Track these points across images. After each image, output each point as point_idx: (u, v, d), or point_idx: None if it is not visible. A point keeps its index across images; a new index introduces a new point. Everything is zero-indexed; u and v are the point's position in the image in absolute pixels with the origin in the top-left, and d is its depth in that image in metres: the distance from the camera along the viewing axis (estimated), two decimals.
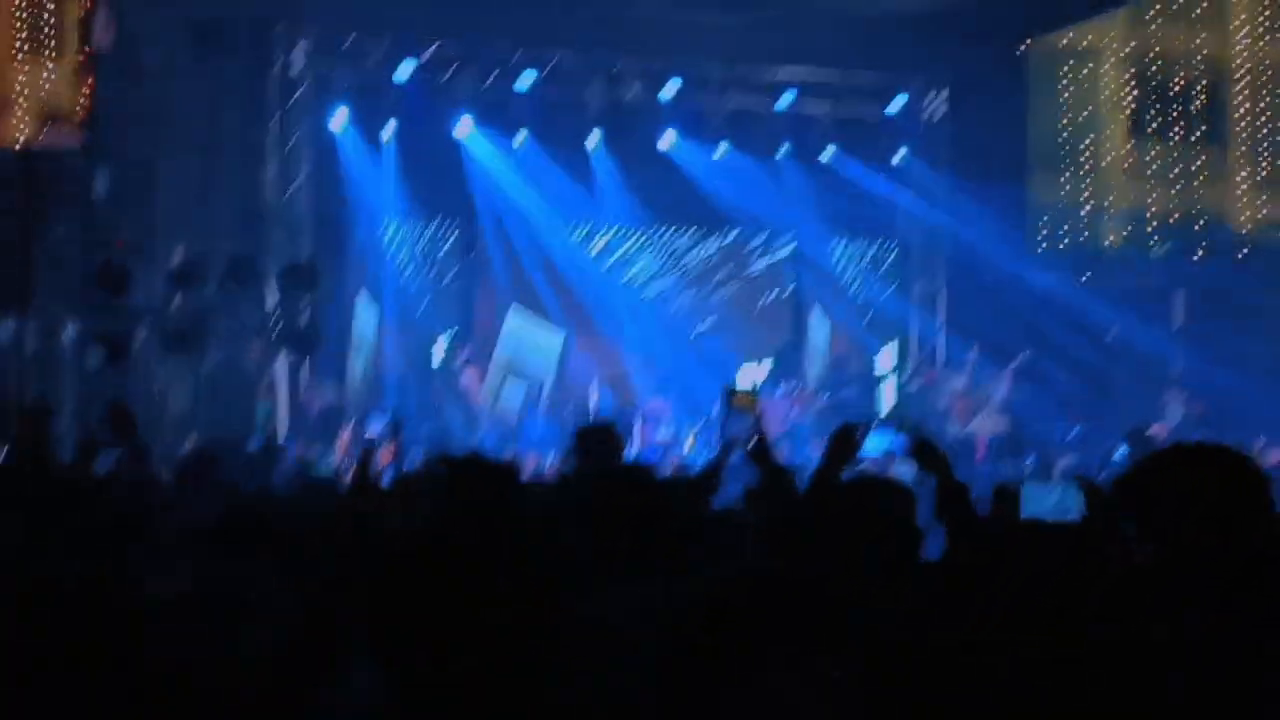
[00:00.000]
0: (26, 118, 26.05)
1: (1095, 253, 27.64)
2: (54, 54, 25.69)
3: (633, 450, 19.57)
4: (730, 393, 8.23)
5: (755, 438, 7.10)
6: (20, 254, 17.48)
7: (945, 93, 23.46)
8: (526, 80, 21.56)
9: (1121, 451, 15.90)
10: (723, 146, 22.66)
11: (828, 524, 5.00)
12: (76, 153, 19.09)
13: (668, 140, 22.36)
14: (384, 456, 14.97)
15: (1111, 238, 28.67)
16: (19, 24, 27.24)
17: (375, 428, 18.25)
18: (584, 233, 22.64)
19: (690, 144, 22.50)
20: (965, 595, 4.19)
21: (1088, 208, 28.47)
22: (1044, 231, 27.29)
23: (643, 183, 22.27)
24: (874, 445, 6.26)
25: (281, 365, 19.04)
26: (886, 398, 23.59)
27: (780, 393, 21.92)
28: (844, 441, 6.05)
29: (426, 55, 21.10)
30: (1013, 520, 5.91)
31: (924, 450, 5.88)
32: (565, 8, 20.06)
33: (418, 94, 21.20)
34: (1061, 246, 27.46)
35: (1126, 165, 29.00)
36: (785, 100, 22.81)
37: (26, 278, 17.37)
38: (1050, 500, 5.86)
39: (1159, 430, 19.81)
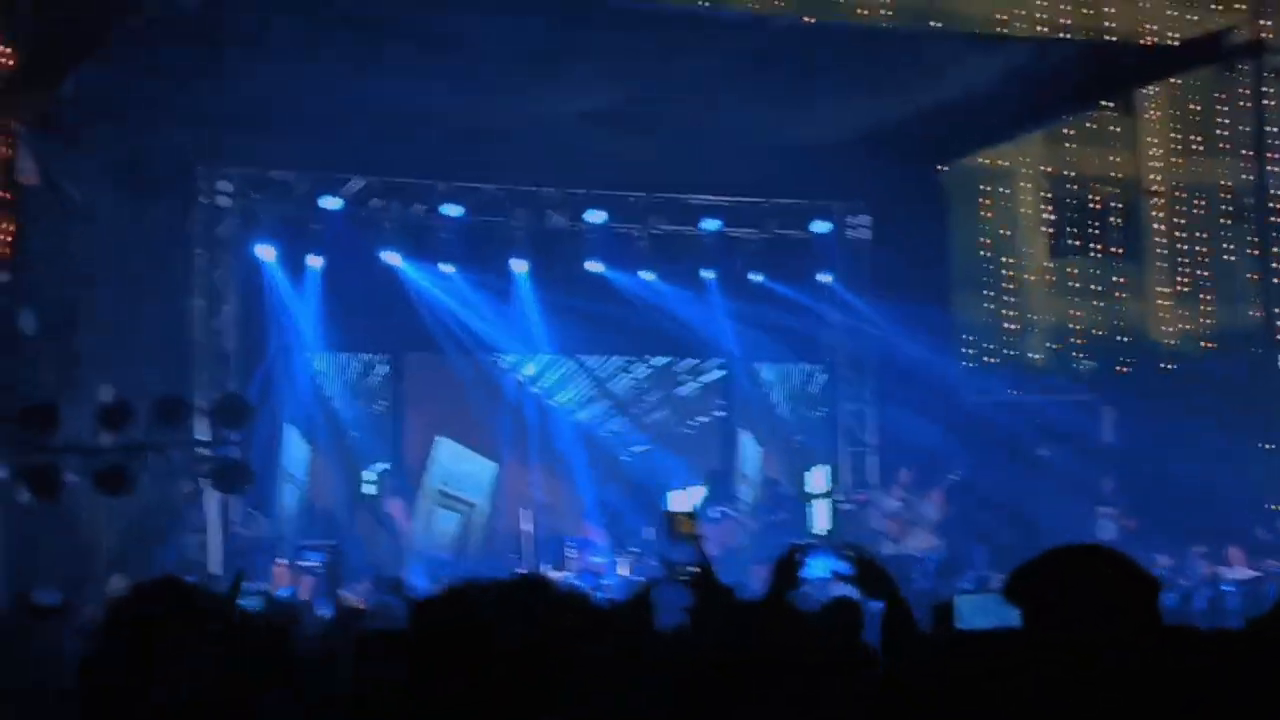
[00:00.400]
0: None
1: (1021, 368, 27.86)
2: None
3: (565, 576, 19.50)
4: (670, 517, 8.22)
5: (698, 561, 7.06)
6: None
7: (866, 216, 23.67)
8: (453, 211, 21.62)
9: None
10: (649, 273, 22.73)
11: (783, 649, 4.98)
12: (1, 291, 18.97)
13: (594, 266, 22.43)
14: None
15: (1037, 354, 28.92)
16: None
17: (313, 560, 18.18)
18: (513, 360, 22.60)
19: (617, 270, 22.58)
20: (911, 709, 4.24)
21: (1013, 325, 28.73)
22: (970, 350, 27.49)
23: (571, 309, 22.33)
24: (817, 568, 6.23)
25: (212, 499, 18.88)
26: (820, 519, 23.57)
27: (715, 517, 21.89)
28: (788, 566, 6.02)
29: (351, 190, 21.14)
30: (949, 634, 5.91)
31: (869, 572, 5.86)
32: (487, 141, 20.17)
33: (344, 225, 21.21)
34: (988, 362, 27.66)
35: (1048, 282, 29.33)
36: (710, 225, 22.96)
37: None
38: (988, 609, 5.86)
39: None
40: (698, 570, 6.73)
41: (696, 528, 7.62)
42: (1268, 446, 24.70)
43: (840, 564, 6.02)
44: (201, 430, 16.71)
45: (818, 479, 23.84)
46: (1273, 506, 23.17)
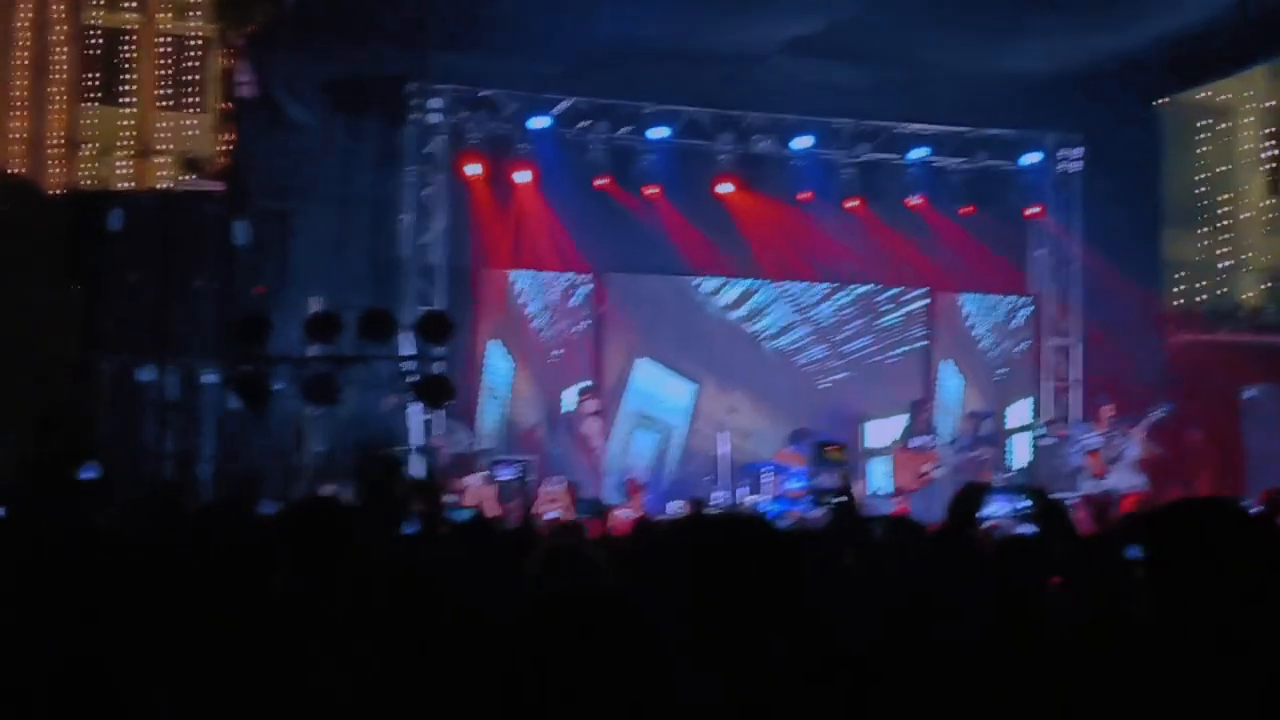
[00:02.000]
0: (168, 166, 26.61)
1: (1232, 309, 27.32)
2: (196, 105, 26.25)
3: (759, 501, 19.59)
4: (820, 446, 8.28)
5: (843, 490, 7.12)
6: (160, 301, 17.83)
7: (1079, 149, 23.30)
8: (659, 134, 21.73)
9: (1254, 511, 15.67)
10: (855, 200, 22.67)
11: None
12: (216, 202, 19.47)
13: (802, 194, 22.42)
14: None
15: (1250, 294, 28.33)
16: (163, 76, 27.85)
17: (505, 475, 18.48)
18: (715, 284, 22.65)
19: (823, 197, 22.55)
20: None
21: (1225, 264, 28.17)
22: (1180, 288, 27.03)
23: (774, 234, 22.36)
24: (998, 507, 6.26)
25: (415, 414, 19.24)
26: (1020, 454, 23.40)
27: (915, 447, 21.86)
28: (967, 503, 6.06)
29: (559, 109, 21.31)
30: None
31: (1049, 514, 5.88)
32: (695, 66, 20.20)
33: (551, 145, 21.42)
34: (1199, 300, 27.19)
35: (1265, 220, 28.67)
36: (917, 154, 22.81)
37: (166, 325, 17.71)
38: None
39: None
40: (842, 498, 6.79)
41: (846, 456, 7.68)
42: None
43: (1020, 503, 6.05)
44: (407, 344, 17.00)
45: (1019, 413, 23.65)
46: None
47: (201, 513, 8.22)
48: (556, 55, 19.97)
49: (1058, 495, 19.35)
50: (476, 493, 18.33)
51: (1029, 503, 5.91)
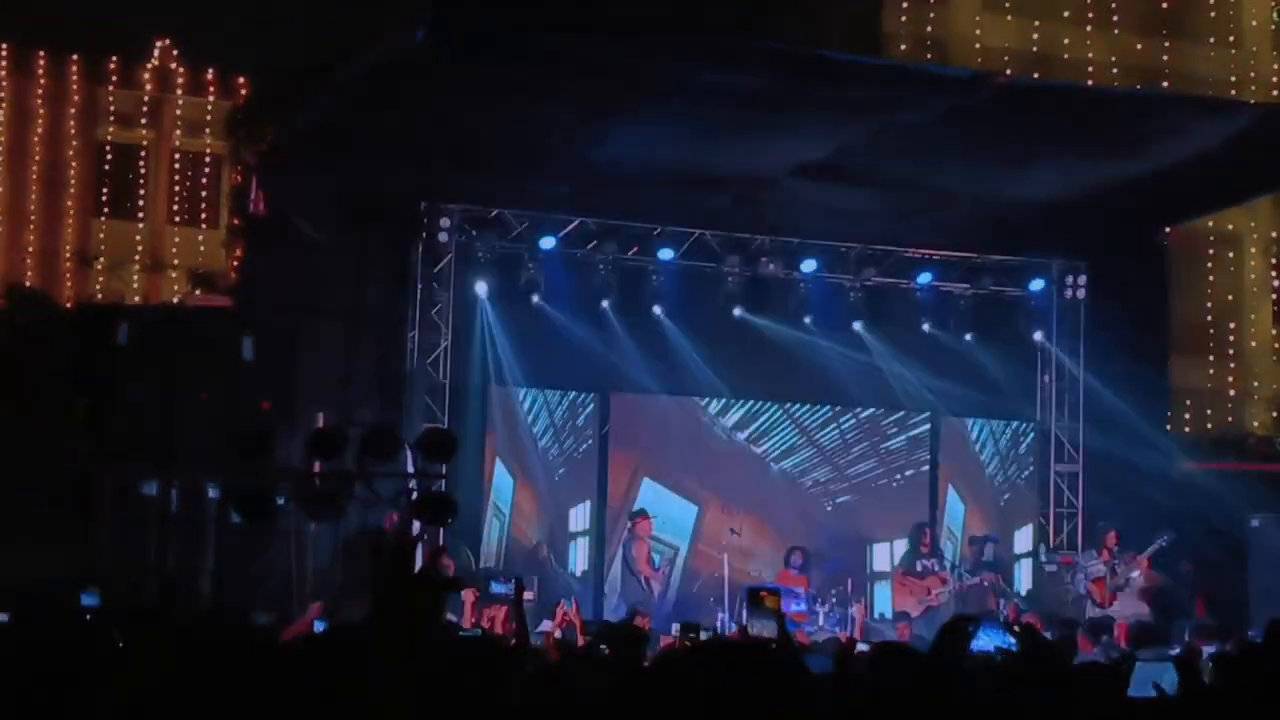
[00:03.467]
0: (179, 280, 26.81)
1: (1240, 438, 27.33)
2: (207, 221, 26.53)
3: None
4: (754, 593, 8.30)
5: (780, 639, 7.15)
6: (166, 413, 17.88)
7: (1084, 276, 23.38)
8: (666, 254, 21.86)
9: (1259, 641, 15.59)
10: (860, 324, 22.76)
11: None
12: (225, 316, 19.58)
13: (806, 317, 22.52)
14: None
15: (1258, 423, 28.36)
16: (176, 192, 28.14)
17: (497, 590, 18.42)
18: (720, 405, 22.69)
19: (828, 320, 22.63)
20: None
21: (1233, 392, 28.22)
22: (1187, 415, 27.06)
23: (780, 357, 22.41)
24: (986, 641, 6.26)
25: (417, 531, 19.23)
26: (1024, 580, 23.34)
27: (917, 571, 21.82)
28: (955, 635, 6.05)
29: (567, 230, 21.45)
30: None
31: (1035, 651, 5.87)
32: (703, 189, 20.35)
33: (559, 265, 21.55)
34: (1206, 429, 27.21)
35: (1274, 349, 28.77)
36: (923, 279, 22.92)
37: (171, 437, 17.75)
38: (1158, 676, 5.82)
39: None
40: (777, 645, 6.79)
41: (780, 604, 7.68)
42: None
43: (1007, 640, 6.04)
44: (410, 462, 17.01)
45: (1023, 539, 23.60)
46: None
47: (195, 621, 8.23)
48: (566, 176, 20.14)
49: (1063, 620, 19.47)
50: (477, 612, 18.30)
51: (1013, 640, 5.90)
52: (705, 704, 3.86)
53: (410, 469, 16.42)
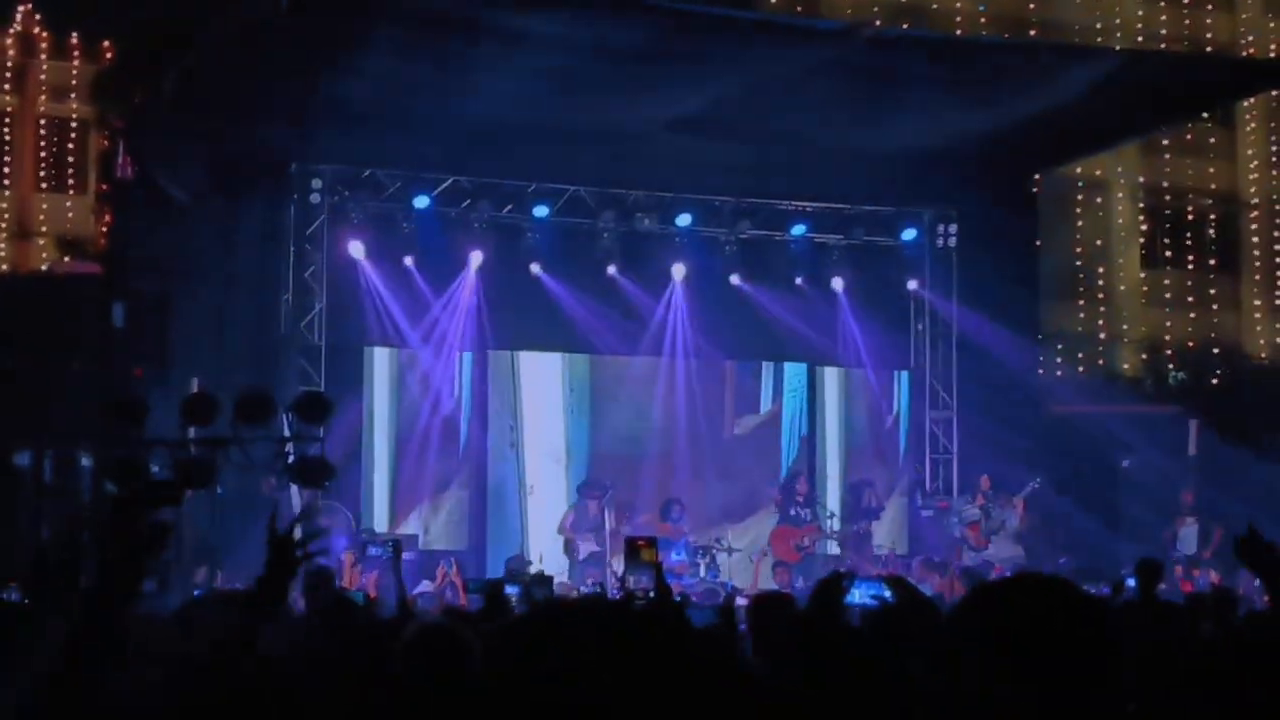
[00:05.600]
0: (47, 248, 26.43)
1: (1111, 380, 27.72)
2: (75, 187, 26.14)
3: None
4: (631, 543, 8.33)
5: (656, 587, 7.20)
6: (38, 383, 17.66)
7: (956, 225, 23.60)
8: (541, 211, 21.83)
9: (1131, 583, 15.86)
10: (736, 276, 22.86)
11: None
12: (95, 283, 19.33)
13: (679, 271, 22.58)
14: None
15: (1128, 365, 28.75)
16: (42, 158, 27.69)
17: (374, 553, 18.39)
18: (600, 361, 22.72)
19: (705, 273, 22.71)
20: None
21: (1103, 335, 28.58)
22: (1059, 359, 27.39)
23: (656, 310, 22.48)
24: (861, 594, 6.32)
25: (294, 495, 19.14)
26: (900, 525, 23.57)
27: (791, 520, 21.97)
28: (832, 590, 6.10)
29: (441, 188, 21.36)
30: None
31: (910, 604, 5.93)
32: (577, 145, 20.31)
33: (433, 224, 21.45)
34: (1078, 372, 27.55)
35: (1142, 293, 29.16)
36: (797, 230, 23.05)
37: (44, 407, 17.54)
38: None
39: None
40: (654, 595, 6.84)
41: (656, 555, 7.72)
42: None
43: (883, 592, 6.10)
44: (285, 425, 16.90)
45: (900, 485, 23.83)
46: None
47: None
48: (438, 135, 20.00)
49: (939, 564, 19.72)
50: (355, 572, 18.26)
51: (889, 592, 5.95)
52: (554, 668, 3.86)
53: (286, 433, 16.32)
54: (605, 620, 4.08)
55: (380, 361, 21.64)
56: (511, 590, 13.28)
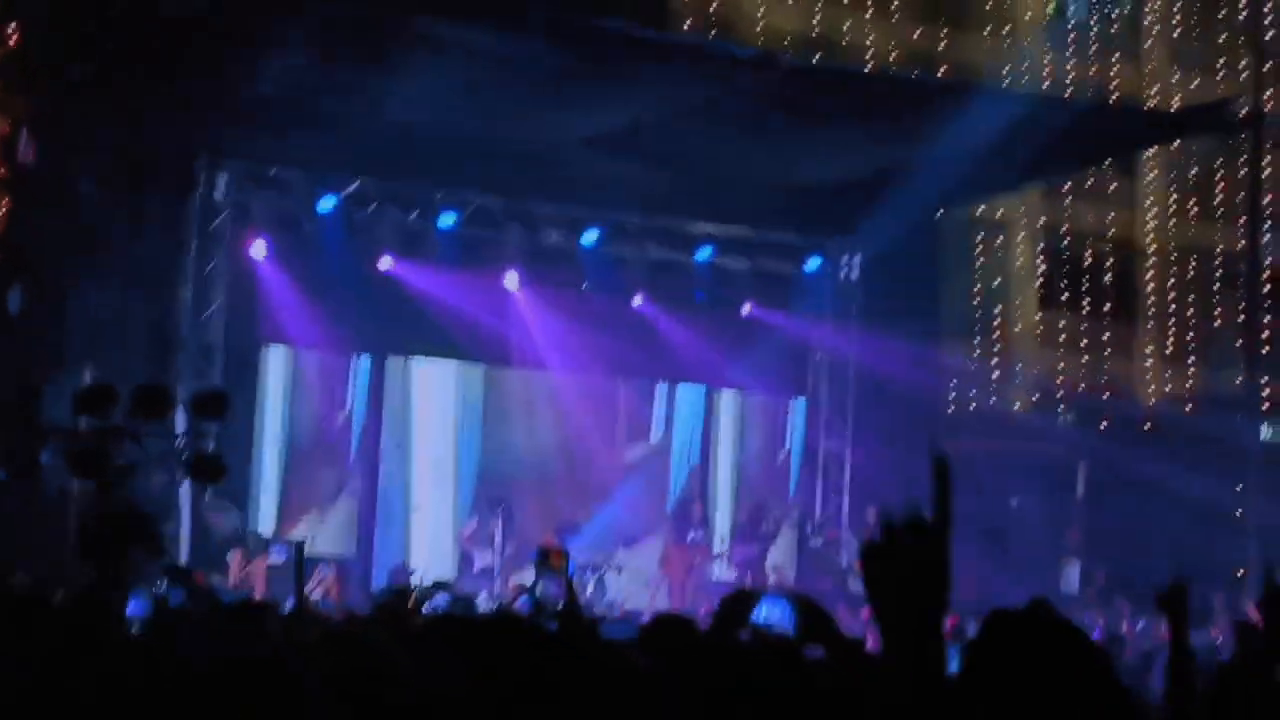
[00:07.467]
0: None
1: (1004, 417, 27.95)
2: None
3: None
4: (542, 552, 8.34)
5: (566, 597, 7.19)
6: None
7: (859, 256, 23.76)
8: (447, 219, 21.74)
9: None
10: (639, 296, 22.86)
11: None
12: None
13: (581, 287, 22.60)
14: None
15: (1020, 403, 29.02)
16: None
17: (278, 557, 18.27)
18: (495, 374, 22.67)
19: (610, 291, 22.70)
20: None
21: (998, 373, 28.84)
22: (952, 395, 27.60)
23: (558, 327, 22.43)
24: (765, 612, 6.31)
25: (186, 491, 18.96)
26: (791, 554, 23.63)
27: (686, 541, 22.00)
28: (735, 607, 6.10)
29: (348, 191, 21.23)
30: None
31: (812, 621, 5.93)
32: (488, 155, 20.26)
33: (338, 227, 21.32)
34: (971, 409, 27.77)
35: (1037, 334, 29.45)
36: (703, 253, 23.10)
37: None
38: None
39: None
40: (565, 605, 6.84)
41: (567, 565, 7.71)
42: (1238, 514, 24.78)
43: (787, 611, 6.10)
44: (181, 421, 16.73)
45: (791, 514, 23.88)
46: (1239, 573, 23.24)
47: None
48: (347, 137, 19.88)
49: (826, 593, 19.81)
50: (244, 573, 18.12)
51: (791, 610, 5.95)
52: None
53: (181, 428, 16.17)
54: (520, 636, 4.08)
55: (276, 362, 21.48)
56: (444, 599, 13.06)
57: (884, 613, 3.42)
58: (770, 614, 6.23)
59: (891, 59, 27.55)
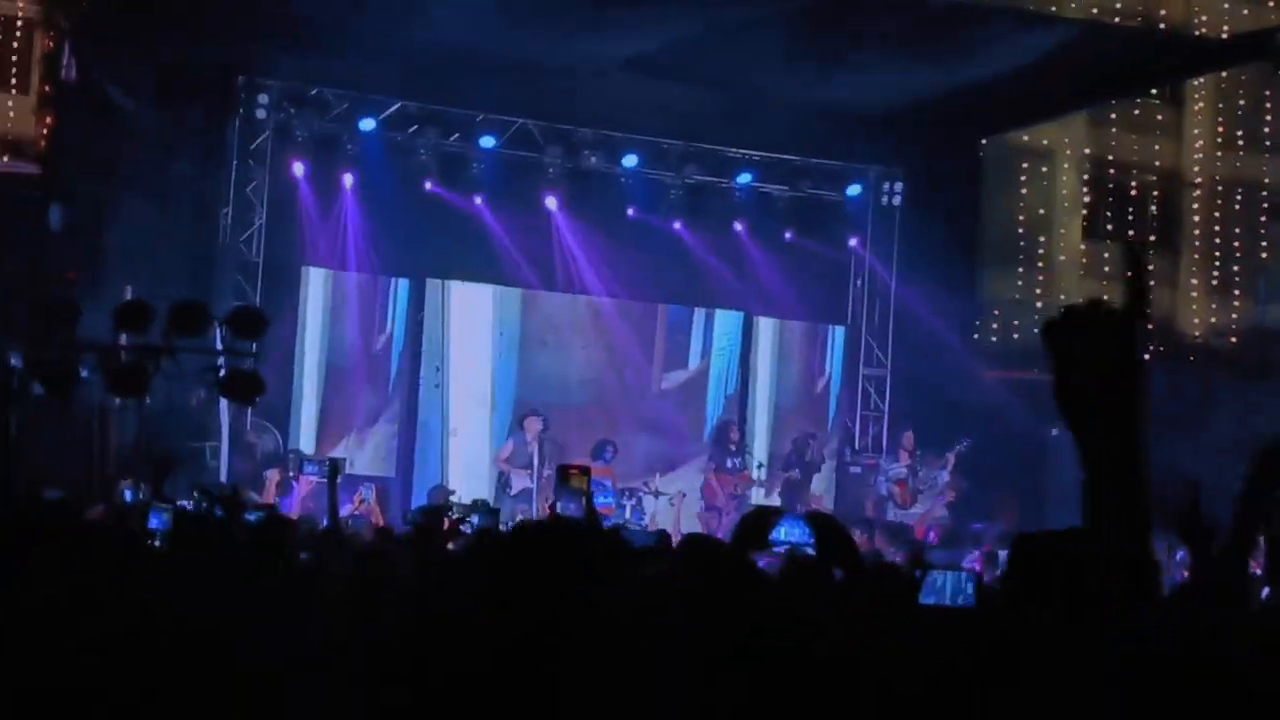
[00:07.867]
0: None
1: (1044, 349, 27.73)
2: (18, 87, 25.73)
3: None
4: (562, 470, 8.34)
5: (587, 515, 7.20)
6: None
7: (900, 184, 23.63)
8: (488, 142, 21.72)
9: None
10: (679, 220, 22.82)
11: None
12: (33, 184, 19.10)
13: (626, 210, 22.56)
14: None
15: None
16: None
17: (311, 473, 18.33)
18: (535, 297, 22.66)
19: (647, 215, 22.66)
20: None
21: (1040, 304, 28.67)
22: (995, 325, 27.49)
23: (597, 251, 22.42)
24: (786, 532, 6.31)
25: (224, 409, 19.03)
26: (828, 481, 23.64)
27: (727, 468, 22.00)
28: (755, 528, 6.10)
29: (388, 112, 21.21)
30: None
31: (831, 541, 5.92)
32: (528, 78, 20.20)
33: (379, 148, 21.32)
34: (1013, 340, 27.63)
35: (1081, 264, 29.25)
36: (743, 179, 23.01)
37: None
38: (947, 586, 5.84)
39: None
40: (587, 521, 6.84)
41: (588, 484, 7.71)
42: None
43: (807, 532, 6.09)
44: (219, 339, 16.76)
45: (831, 439, 23.90)
46: None
47: None
48: (388, 58, 19.86)
49: (864, 520, 19.79)
50: (281, 490, 18.21)
51: (810, 531, 5.94)
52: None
53: (219, 346, 16.19)
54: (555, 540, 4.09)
55: (316, 283, 21.51)
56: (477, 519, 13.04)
57: (1064, 390, 3.36)
58: (790, 533, 6.24)
59: None
